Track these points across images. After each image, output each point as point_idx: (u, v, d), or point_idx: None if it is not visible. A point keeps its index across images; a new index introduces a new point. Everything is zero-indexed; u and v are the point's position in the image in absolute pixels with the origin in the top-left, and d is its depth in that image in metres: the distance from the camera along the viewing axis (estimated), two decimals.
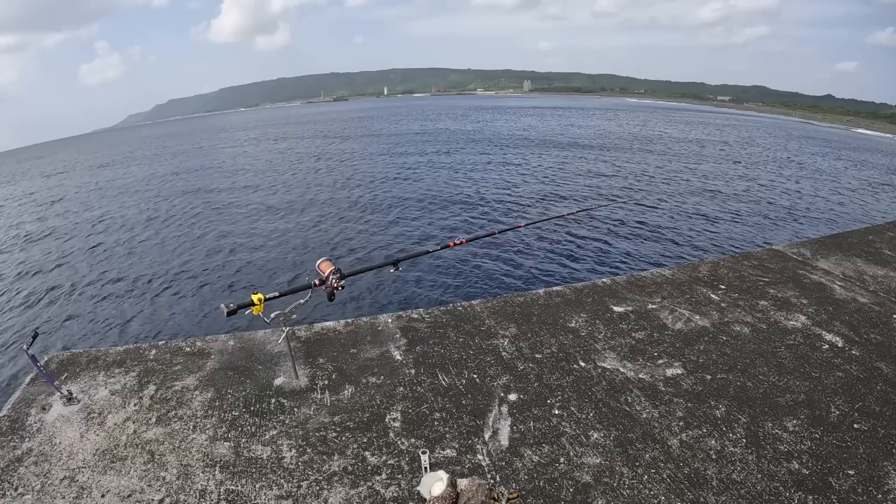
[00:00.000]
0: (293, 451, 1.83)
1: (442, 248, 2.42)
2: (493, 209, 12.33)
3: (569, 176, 16.97)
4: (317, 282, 2.02)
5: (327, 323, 2.72)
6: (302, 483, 1.69)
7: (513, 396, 2.10)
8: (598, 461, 1.75)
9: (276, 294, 1.93)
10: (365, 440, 1.87)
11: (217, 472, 1.74)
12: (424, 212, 12.41)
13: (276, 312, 1.98)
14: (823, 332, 2.54)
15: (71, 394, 2.13)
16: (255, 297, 1.84)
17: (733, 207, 13.16)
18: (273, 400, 2.11)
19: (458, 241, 2.39)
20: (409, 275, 8.25)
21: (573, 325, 2.65)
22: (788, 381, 2.16)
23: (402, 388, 2.16)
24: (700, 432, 1.88)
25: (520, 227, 3.25)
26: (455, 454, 1.79)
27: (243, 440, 1.89)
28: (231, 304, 1.78)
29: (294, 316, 2.02)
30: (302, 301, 2.02)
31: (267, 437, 1.90)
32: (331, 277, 2.00)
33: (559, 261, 8.79)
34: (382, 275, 8.24)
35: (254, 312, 1.83)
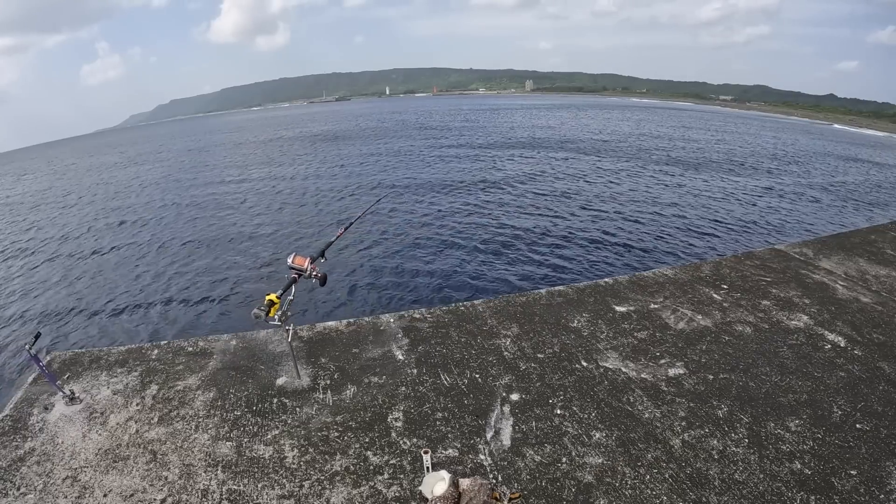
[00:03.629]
0: (295, 450, 1.83)
1: (336, 239, 2.53)
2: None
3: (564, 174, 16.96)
4: (296, 276, 2.06)
5: (329, 323, 2.73)
6: (304, 483, 1.69)
7: (515, 396, 2.10)
8: (600, 461, 1.75)
9: (281, 292, 1.97)
10: (367, 440, 1.87)
11: (219, 471, 1.75)
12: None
13: (279, 312, 1.99)
14: (826, 332, 2.53)
15: (73, 393, 2.13)
16: (273, 297, 1.91)
17: (735, 206, 13.14)
18: (275, 400, 2.12)
19: (339, 233, 2.52)
20: (411, 274, 8.26)
21: (575, 324, 2.65)
22: (791, 381, 2.16)
23: (404, 388, 2.16)
24: (702, 432, 1.88)
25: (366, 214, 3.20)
26: (457, 454, 1.79)
27: (245, 440, 1.89)
28: (263, 308, 1.86)
29: (290, 313, 2.03)
30: (290, 297, 2.06)
31: (269, 436, 1.91)
32: (308, 266, 2.06)
33: (561, 260, 8.79)
34: (383, 274, 8.26)
35: (271, 314, 1.89)
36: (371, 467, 1.74)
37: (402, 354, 2.41)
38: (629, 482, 1.66)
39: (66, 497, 1.65)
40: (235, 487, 1.68)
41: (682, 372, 2.24)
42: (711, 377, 2.20)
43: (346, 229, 2.55)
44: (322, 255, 2.27)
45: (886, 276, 3.16)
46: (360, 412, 2.02)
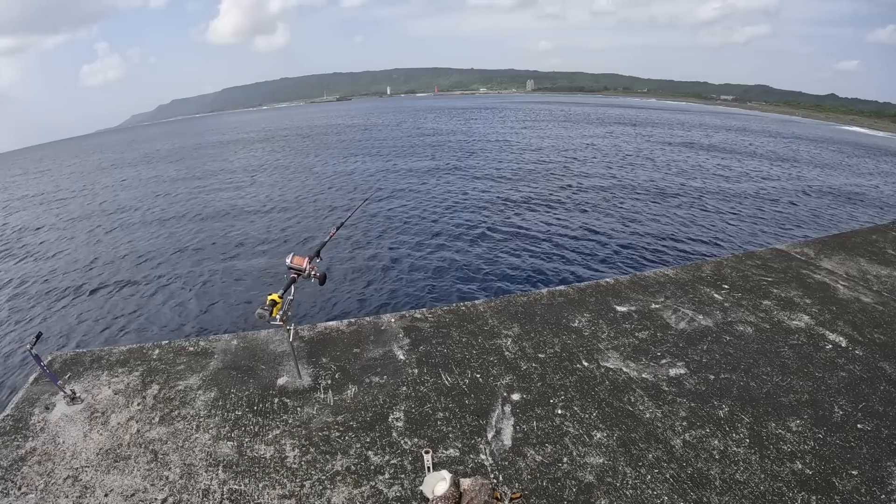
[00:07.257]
0: (296, 450, 1.84)
1: (329, 239, 2.53)
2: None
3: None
4: (295, 275, 2.07)
5: (330, 322, 2.73)
6: (305, 483, 1.69)
7: (516, 396, 2.10)
8: (601, 461, 1.75)
9: (282, 292, 1.98)
10: (368, 440, 1.87)
11: (220, 471, 1.75)
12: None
13: (280, 312, 1.99)
14: (827, 332, 2.53)
15: (74, 393, 2.13)
16: (275, 297, 1.92)
17: (736, 206, 13.13)
18: (276, 399, 2.12)
19: (331, 233, 2.53)
20: (412, 274, 8.26)
21: (576, 324, 2.65)
22: (792, 381, 2.16)
23: (405, 388, 2.16)
24: (703, 432, 1.88)
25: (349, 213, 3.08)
26: (458, 454, 1.79)
27: (246, 440, 1.89)
28: (266, 308, 1.88)
29: (290, 312, 2.04)
30: (290, 297, 2.07)
31: (270, 436, 1.91)
32: (307, 266, 2.08)
33: (562, 260, 8.79)
34: (384, 274, 8.27)
35: (274, 313, 1.90)
36: (372, 467, 1.75)
37: (403, 354, 2.41)
38: (630, 482, 1.66)
39: (67, 497, 1.65)
40: (236, 487, 1.68)
41: (683, 372, 2.24)
42: (712, 377, 2.20)
43: (337, 229, 2.56)
44: (317, 254, 2.28)
45: (887, 276, 3.15)
46: (361, 412, 2.02)
